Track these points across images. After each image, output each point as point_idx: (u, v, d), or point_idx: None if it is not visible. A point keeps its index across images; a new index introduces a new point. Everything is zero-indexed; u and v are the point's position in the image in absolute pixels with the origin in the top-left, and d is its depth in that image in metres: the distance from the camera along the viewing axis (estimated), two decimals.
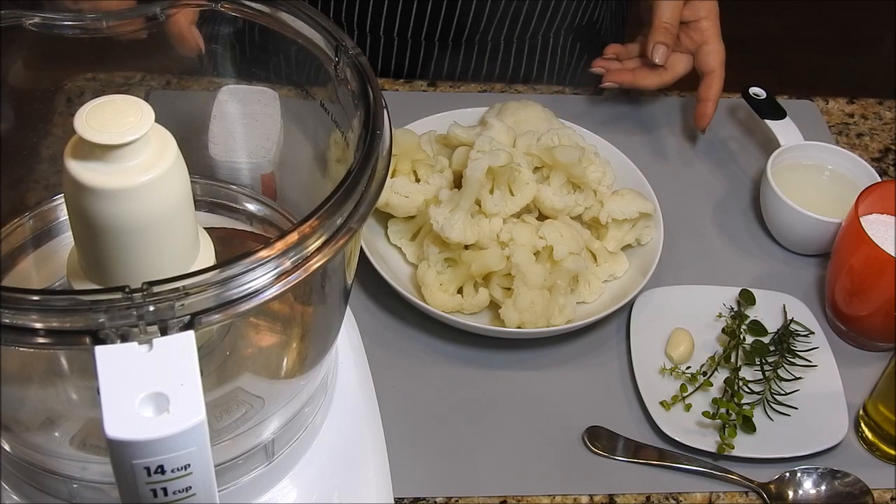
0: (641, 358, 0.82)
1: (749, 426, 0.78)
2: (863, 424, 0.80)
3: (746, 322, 0.86)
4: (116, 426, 0.40)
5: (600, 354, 0.85)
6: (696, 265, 0.93)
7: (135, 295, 0.41)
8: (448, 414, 0.79)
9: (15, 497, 0.58)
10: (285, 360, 0.64)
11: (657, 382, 0.81)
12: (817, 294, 0.91)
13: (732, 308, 0.87)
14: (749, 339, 0.85)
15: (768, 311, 0.87)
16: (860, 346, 0.87)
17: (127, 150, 0.47)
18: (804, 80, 2.40)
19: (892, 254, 0.80)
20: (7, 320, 0.41)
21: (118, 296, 0.41)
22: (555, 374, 0.83)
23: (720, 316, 0.87)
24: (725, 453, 0.76)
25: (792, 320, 0.86)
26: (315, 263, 0.46)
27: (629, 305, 0.86)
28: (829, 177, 0.96)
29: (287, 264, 0.45)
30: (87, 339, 0.41)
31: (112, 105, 0.48)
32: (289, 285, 0.45)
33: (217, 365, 0.58)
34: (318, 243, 0.46)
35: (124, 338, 0.41)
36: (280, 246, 0.45)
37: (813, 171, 0.97)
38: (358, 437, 0.66)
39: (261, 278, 0.44)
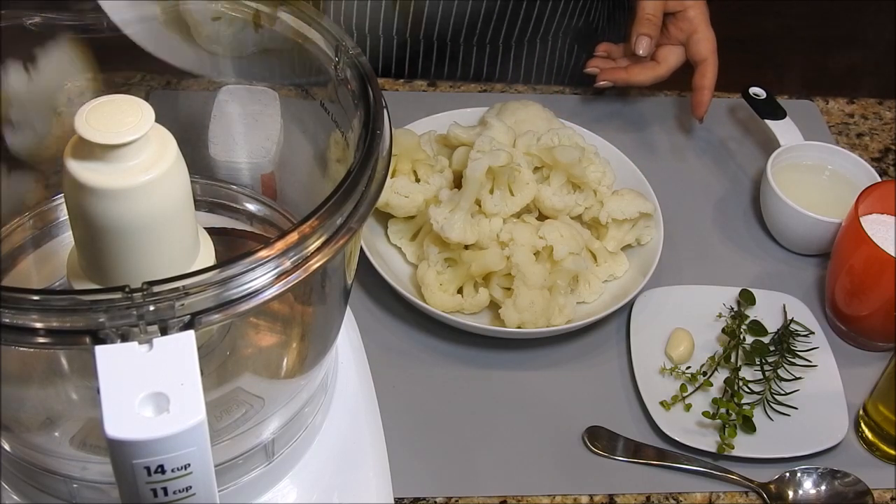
0: (641, 358, 0.82)
1: (749, 426, 0.78)
2: (863, 424, 0.80)
3: (746, 322, 0.86)
4: (116, 426, 0.40)
5: (600, 354, 0.85)
6: (696, 265, 0.93)
7: (135, 295, 0.41)
8: (448, 414, 0.79)
9: (15, 497, 0.58)
10: (285, 360, 0.64)
11: (657, 382, 0.81)
12: (817, 294, 0.91)
13: (732, 308, 0.87)
14: (749, 339, 0.85)
15: (768, 311, 0.87)
16: (860, 346, 0.87)
17: (127, 150, 0.47)
18: (804, 80, 2.40)
19: (892, 254, 0.80)
20: (7, 320, 0.41)
21: (118, 296, 0.41)
22: (555, 374, 0.83)
23: (720, 316, 0.87)
24: (725, 453, 0.76)
25: (792, 320, 0.86)
26: (315, 263, 0.46)
27: (629, 305, 0.86)
28: (829, 177, 0.96)
29: (287, 264, 0.45)
30: (88, 339, 0.41)
31: (112, 105, 0.48)
32: (289, 285, 0.45)
33: (217, 365, 0.58)
34: (318, 243, 0.46)
35: (124, 337, 0.41)
36: (280, 246, 0.45)
37: (813, 171, 0.97)
38: (358, 437, 0.66)
39: (261, 278, 0.44)
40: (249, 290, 0.44)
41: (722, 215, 0.98)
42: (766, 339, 0.85)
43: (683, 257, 0.93)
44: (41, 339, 0.42)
